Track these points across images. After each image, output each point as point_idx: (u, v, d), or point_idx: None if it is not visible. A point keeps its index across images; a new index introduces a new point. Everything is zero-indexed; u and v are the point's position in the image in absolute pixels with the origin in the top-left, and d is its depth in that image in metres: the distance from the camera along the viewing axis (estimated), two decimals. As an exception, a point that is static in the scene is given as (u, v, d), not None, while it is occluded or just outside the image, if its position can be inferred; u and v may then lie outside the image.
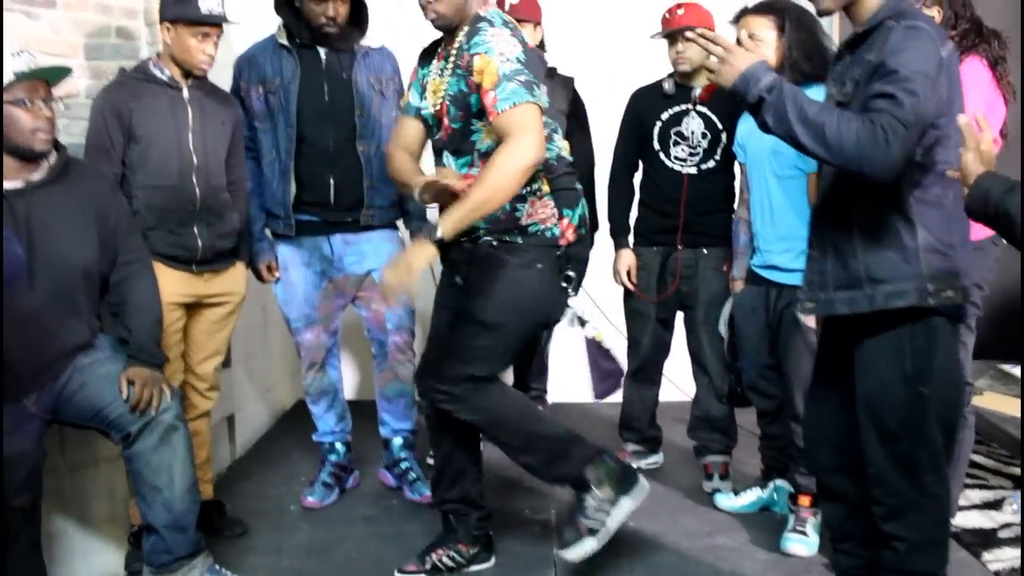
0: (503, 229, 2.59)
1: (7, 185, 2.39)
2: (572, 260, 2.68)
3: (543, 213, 2.61)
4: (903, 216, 2.13)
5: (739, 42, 2.93)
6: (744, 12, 2.98)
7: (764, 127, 2.12)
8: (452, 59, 2.57)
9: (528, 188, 2.56)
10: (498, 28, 2.49)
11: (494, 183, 2.41)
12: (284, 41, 3.14)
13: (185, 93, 2.88)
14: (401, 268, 2.49)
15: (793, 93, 2.06)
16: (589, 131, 3.70)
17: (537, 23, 3.53)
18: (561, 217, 2.63)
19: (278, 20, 3.15)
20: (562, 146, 2.73)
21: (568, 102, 3.60)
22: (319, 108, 3.13)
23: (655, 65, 3.58)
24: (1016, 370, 3.91)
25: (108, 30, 3.15)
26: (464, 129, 2.58)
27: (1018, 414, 3.48)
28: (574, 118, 3.60)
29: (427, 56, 2.76)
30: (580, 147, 3.48)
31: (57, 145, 2.51)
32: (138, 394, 2.44)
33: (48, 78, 2.45)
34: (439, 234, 2.45)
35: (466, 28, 2.54)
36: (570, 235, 2.65)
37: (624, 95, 3.57)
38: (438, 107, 2.61)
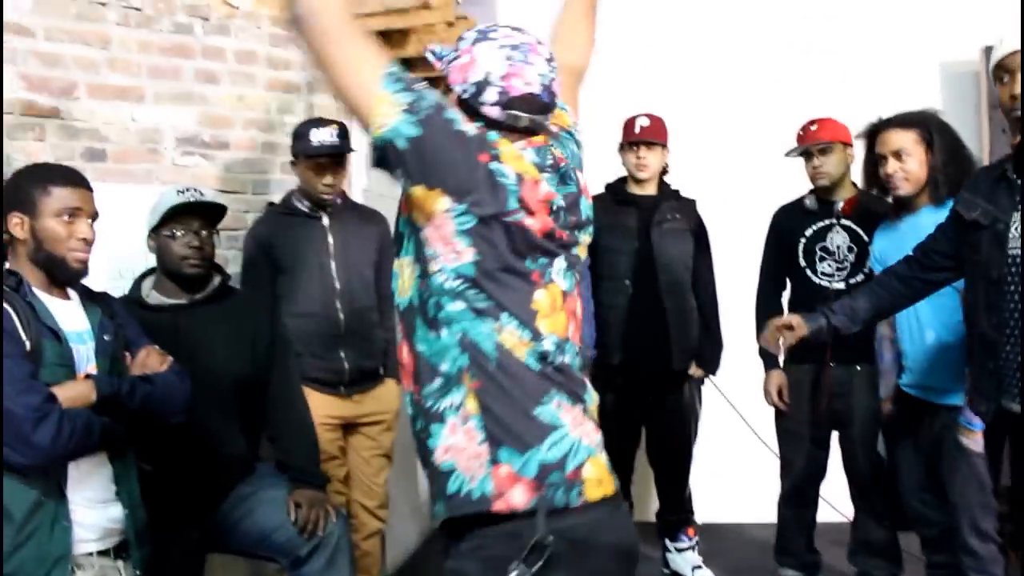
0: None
1: (173, 300, 2.60)
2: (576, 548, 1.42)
3: (464, 449, 1.46)
4: None
5: (880, 159, 2.85)
6: (882, 126, 2.87)
7: None
8: None
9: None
10: None
11: None
12: None
13: (325, 221, 3.03)
14: None
15: None
16: (711, 253, 3.70)
17: (664, 146, 3.60)
18: (496, 463, 1.44)
19: None
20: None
21: (693, 224, 3.64)
22: None
23: (780, 184, 3.59)
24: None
25: (273, 166, 3.39)
26: None
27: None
28: (698, 241, 3.64)
29: None
30: (703, 270, 3.63)
31: (221, 271, 2.71)
32: (305, 516, 2.50)
33: (203, 213, 2.62)
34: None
35: None
36: (518, 499, 1.42)
37: (746, 215, 3.55)
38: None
